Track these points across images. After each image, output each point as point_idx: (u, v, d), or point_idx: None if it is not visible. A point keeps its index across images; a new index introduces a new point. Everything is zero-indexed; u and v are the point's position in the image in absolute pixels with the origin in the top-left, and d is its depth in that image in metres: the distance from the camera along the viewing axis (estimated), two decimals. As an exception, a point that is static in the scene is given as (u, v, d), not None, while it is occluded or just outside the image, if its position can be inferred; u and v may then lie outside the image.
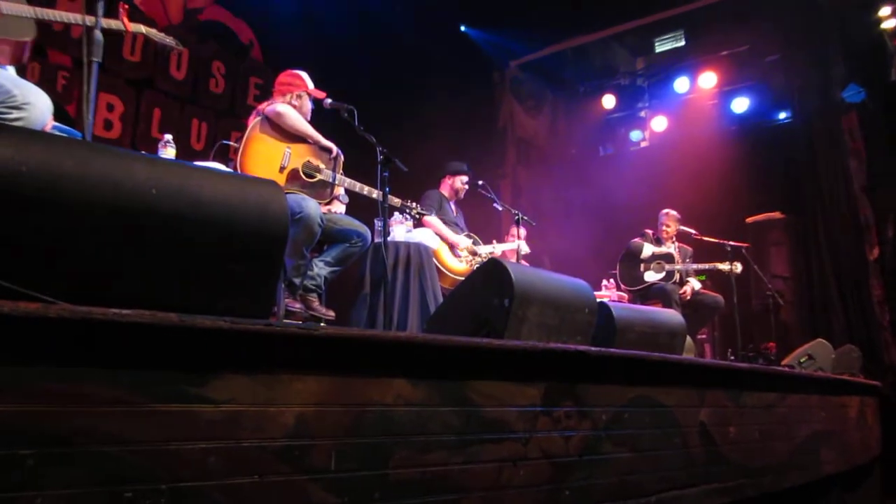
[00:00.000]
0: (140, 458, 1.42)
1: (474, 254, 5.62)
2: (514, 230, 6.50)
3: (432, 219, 5.45)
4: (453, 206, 5.99)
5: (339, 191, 4.14)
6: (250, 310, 1.69)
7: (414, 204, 4.32)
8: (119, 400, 1.42)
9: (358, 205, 4.37)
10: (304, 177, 3.79)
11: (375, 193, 3.93)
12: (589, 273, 6.12)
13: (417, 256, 4.61)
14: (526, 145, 9.64)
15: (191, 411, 1.50)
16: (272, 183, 1.88)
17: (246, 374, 1.60)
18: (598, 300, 2.86)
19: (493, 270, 2.45)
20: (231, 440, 1.55)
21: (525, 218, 5.31)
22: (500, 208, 5.48)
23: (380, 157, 3.60)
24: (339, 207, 4.18)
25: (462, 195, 5.93)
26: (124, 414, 1.42)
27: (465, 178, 5.87)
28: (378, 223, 4.52)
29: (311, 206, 3.58)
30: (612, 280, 6.77)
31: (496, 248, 5.95)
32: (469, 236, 5.83)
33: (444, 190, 5.93)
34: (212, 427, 1.52)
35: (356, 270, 4.51)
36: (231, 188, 1.74)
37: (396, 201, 4.16)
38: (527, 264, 5.05)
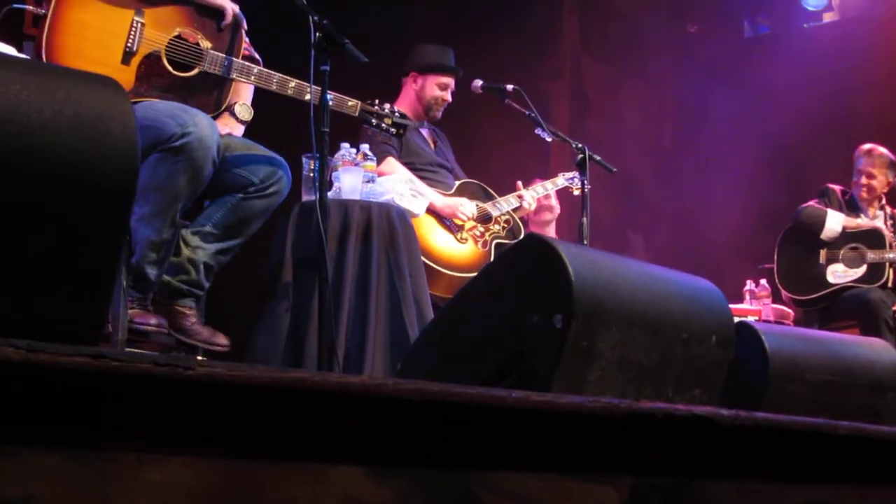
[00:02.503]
0: None
1: (486, 220, 5.58)
2: (569, 177, 6.40)
3: (391, 167, 5.37)
4: (428, 136, 6.04)
5: (243, 94, 4.11)
6: (64, 326, 1.71)
7: (386, 107, 4.38)
8: None
9: (272, 125, 4.34)
10: (170, 68, 3.80)
11: (308, 94, 3.94)
12: (722, 266, 6.07)
13: (385, 228, 4.64)
14: (601, 16, 9.57)
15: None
16: (107, 82, 1.89)
17: (57, 449, 1.60)
18: (738, 319, 2.87)
19: (532, 257, 2.47)
20: (28, 577, 1.54)
21: (596, 158, 5.28)
22: (549, 138, 5.45)
23: (314, 35, 3.61)
24: (233, 128, 4.17)
25: (439, 112, 5.95)
26: None
27: (445, 80, 5.87)
28: (309, 163, 4.55)
29: (204, 125, 3.65)
30: (764, 281, 6.73)
31: (532, 192, 5.87)
32: (468, 188, 5.77)
33: (404, 104, 5.90)
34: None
35: (267, 252, 4.54)
36: (29, 92, 1.74)
37: (352, 104, 4.21)
38: (588, 246, 5.01)
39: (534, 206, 6.07)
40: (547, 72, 8.81)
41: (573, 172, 5.99)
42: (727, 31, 9.91)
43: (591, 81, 9.29)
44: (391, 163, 5.43)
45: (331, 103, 3.92)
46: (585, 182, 5.19)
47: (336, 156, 4.75)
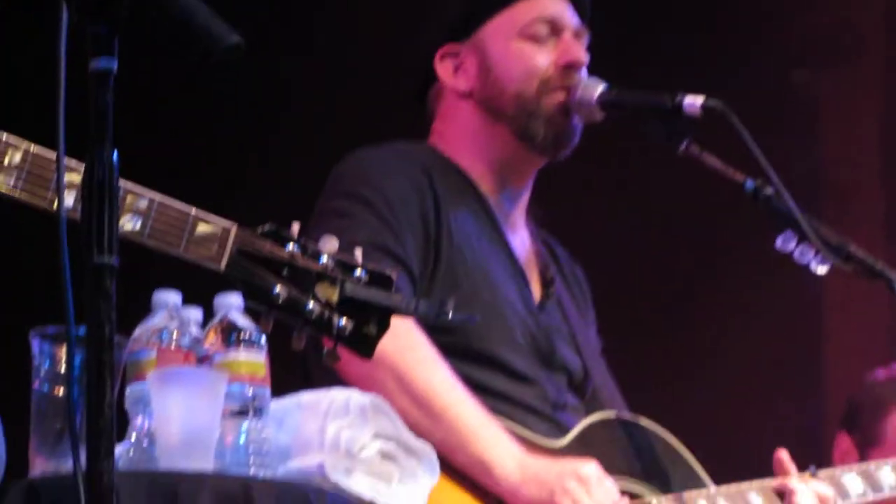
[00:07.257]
0: None
1: None
2: None
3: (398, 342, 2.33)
4: (525, 251, 3.02)
5: None
6: None
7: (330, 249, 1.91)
8: None
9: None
10: None
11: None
12: None
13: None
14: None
15: None
16: None
17: None
18: None
19: None
20: None
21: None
22: (821, 269, 2.72)
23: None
24: None
25: (567, 101, 2.87)
26: None
27: (532, 8, 2.89)
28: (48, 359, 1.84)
29: None
30: None
31: (822, 486, 2.84)
32: (614, 439, 2.79)
33: (458, 143, 2.99)
34: None
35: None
36: None
37: (207, 231, 1.78)
38: None
39: None
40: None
41: None
42: None
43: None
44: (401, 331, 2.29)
45: (145, 230, 1.78)
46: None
47: (138, 332, 2.06)
